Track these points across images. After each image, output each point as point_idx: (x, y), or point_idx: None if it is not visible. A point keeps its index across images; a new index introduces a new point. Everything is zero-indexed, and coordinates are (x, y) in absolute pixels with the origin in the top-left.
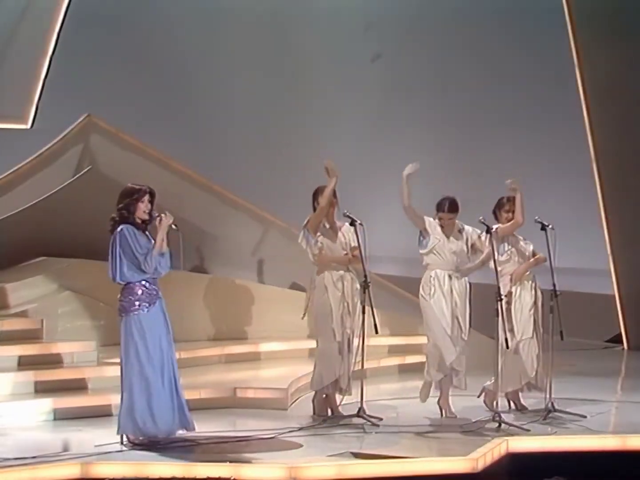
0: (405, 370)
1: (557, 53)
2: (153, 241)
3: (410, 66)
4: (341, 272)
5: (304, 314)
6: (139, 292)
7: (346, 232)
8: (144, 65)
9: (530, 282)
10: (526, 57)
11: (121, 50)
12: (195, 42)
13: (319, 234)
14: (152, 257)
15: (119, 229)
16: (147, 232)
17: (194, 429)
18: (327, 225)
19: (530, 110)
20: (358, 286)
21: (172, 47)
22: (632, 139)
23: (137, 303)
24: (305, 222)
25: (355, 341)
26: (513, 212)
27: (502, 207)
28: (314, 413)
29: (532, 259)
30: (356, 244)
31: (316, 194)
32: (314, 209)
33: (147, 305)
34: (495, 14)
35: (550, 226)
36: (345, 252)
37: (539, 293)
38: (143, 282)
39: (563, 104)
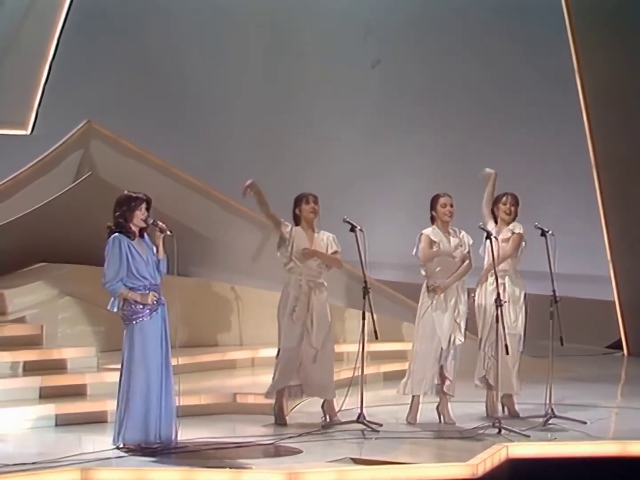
0: (404, 376)
1: (557, 57)
2: (154, 246)
3: (410, 71)
4: (309, 279)
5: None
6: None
7: (320, 239)
8: (144, 71)
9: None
10: (526, 61)
11: (121, 56)
12: (196, 48)
13: (292, 235)
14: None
15: (111, 237)
16: (145, 238)
17: (174, 442)
18: (301, 231)
19: (531, 115)
20: (325, 296)
21: (172, 53)
22: (633, 144)
23: (138, 312)
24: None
25: (317, 350)
26: (512, 205)
27: (498, 202)
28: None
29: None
30: (334, 250)
31: (296, 201)
32: (294, 217)
33: (148, 313)
34: (494, 18)
35: (550, 232)
36: (316, 260)
37: (505, 292)
38: (140, 290)
39: (563, 109)
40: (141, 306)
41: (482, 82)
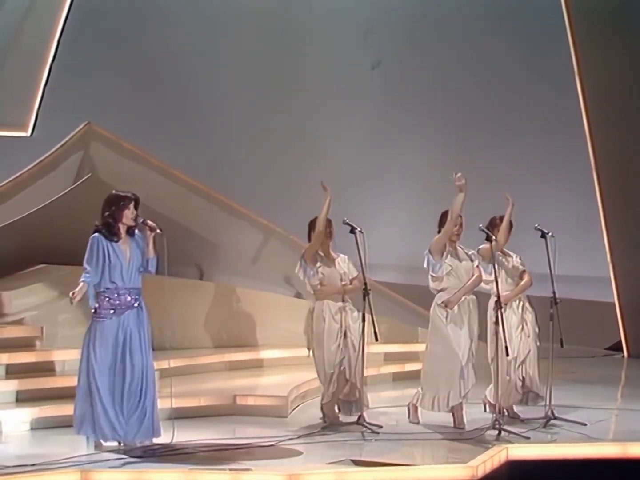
0: (405, 378)
1: (557, 57)
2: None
3: (410, 72)
4: (340, 303)
5: (309, 350)
6: (102, 302)
7: (342, 262)
8: (144, 72)
9: (517, 301)
10: (526, 61)
11: (121, 58)
12: (196, 50)
13: (318, 264)
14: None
15: (90, 237)
16: (134, 237)
17: (157, 436)
18: (322, 256)
19: (531, 115)
20: (356, 314)
21: (172, 53)
22: (633, 144)
23: (99, 311)
24: (302, 252)
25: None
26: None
27: (495, 226)
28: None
29: (519, 286)
30: (354, 275)
31: (311, 224)
32: (309, 239)
33: (109, 314)
34: (494, 18)
35: (550, 234)
36: (343, 282)
37: (527, 310)
38: (107, 293)
39: (563, 109)
40: (100, 307)
41: (482, 83)
